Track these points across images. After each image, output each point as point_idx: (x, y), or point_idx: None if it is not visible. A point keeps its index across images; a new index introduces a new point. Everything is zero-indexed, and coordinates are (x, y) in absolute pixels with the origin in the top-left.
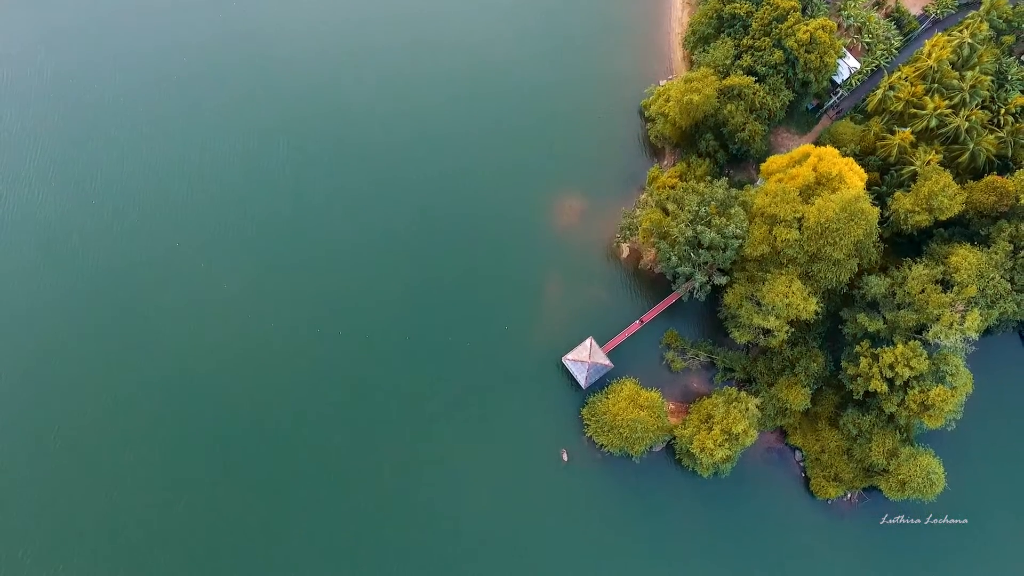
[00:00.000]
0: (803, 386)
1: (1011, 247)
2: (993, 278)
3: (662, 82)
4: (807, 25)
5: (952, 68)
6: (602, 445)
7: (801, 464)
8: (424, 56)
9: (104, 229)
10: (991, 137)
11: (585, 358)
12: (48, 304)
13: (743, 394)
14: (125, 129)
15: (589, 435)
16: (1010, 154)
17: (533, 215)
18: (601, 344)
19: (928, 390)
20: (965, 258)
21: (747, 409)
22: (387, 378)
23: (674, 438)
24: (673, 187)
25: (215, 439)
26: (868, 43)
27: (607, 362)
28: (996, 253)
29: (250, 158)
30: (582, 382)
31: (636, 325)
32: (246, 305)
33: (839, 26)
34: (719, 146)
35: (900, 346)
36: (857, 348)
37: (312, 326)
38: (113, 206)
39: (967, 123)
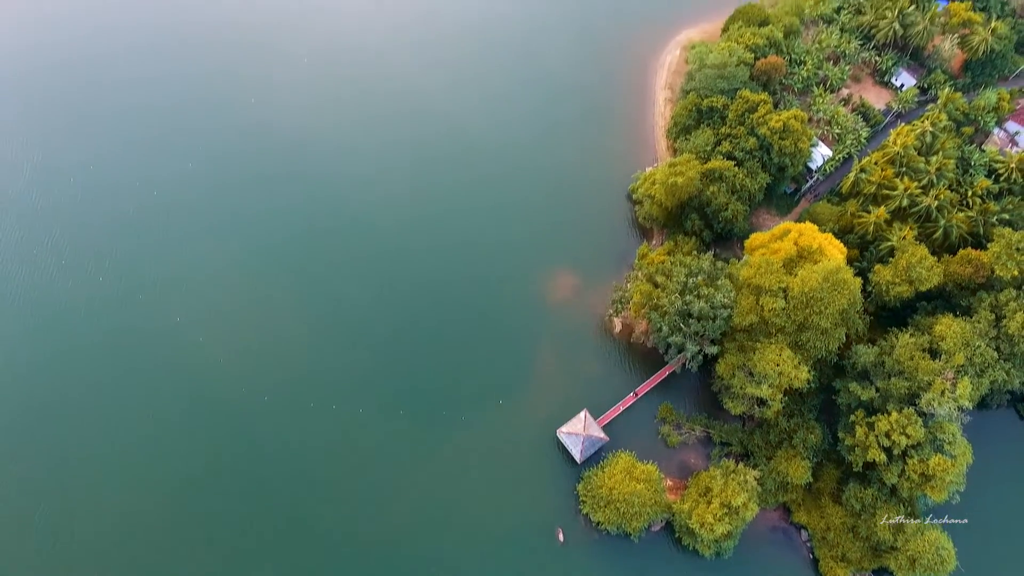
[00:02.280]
0: (803, 459)
1: (993, 317)
2: (979, 347)
3: (648, 168)
4: (779, 115)
5: (918, 154)
6: (599, 523)
7: (808, 544)
8: (427, 145)
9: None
10: (961, 215)
11: (580, 431)
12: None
13: (741, 466)
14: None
15: (585, 512)
16: (981, 231)
17: (527, 292)
18: (596, 417)
19: (927, 459)
20: (949, 327)
21: (746, 481)
22: (380, 451)
23: (673, 516)
24: (662, 262)
25: None
26: (838, 134)
27: (602, 435)
28: (979, 323)
29: (260, 238)
30: (577, 456)
31: (631, 398)
32: (244, 376)
33: (810, 118)
34: (704, 225)
35: (894, 414)
36: (852, 417)
37: (307, 397)
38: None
39: (936, 202)
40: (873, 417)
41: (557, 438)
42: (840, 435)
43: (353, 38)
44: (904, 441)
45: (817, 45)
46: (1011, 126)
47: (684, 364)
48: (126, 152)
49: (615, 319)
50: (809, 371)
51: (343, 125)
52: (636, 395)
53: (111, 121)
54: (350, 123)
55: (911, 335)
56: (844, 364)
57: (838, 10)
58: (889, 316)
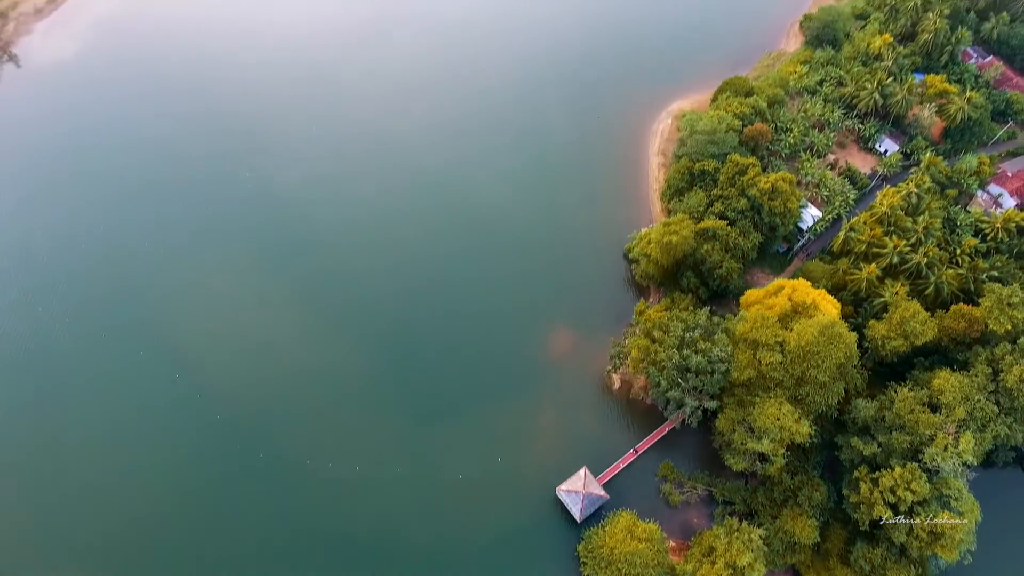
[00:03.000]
0: (809, 517)
1: (990, 371)
2: (979, 400)
3: (644, 229)
4: (768, 177)
5: (904, 214)
6: None
7: None
8: (430, 211)
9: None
10: (951, 272)
11: (580, 488)
12: None
13: (745, 525)
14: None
15: (587, 574)
16: (972, 288)
17: (527, 350)
18: (596, 475)
19: (934, 516)
20: (947, 381)
21: (750, 540)
22: (376, 509)
23: None
24: (659, 318)
25: None
26: (827, 196)
27: (602, 493)
28: (977, 376)
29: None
30: (577, 515)
31: (631, 455)
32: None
33: (799, 181)
34: (700, 283)
35: (898, 469)
36: (856, 473)
37: (303, 458)
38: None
39: (926, 259)
40: (877, 473)
41: (557, 496)
42: (844, 492)
43: (358, 111)
44: (910, 497)
45: (802, 114)
46: (993, 188)
47: (684, 420)
48: (133, 222)
49: (614, 375)
50: (810, 426)
51: (348, 195)
52: (636, 452)
53: (110, 192)
54: (355, 193)
55: (910, 389)
56: (845, 420)
57: (820, 82)
58: (887, 372)
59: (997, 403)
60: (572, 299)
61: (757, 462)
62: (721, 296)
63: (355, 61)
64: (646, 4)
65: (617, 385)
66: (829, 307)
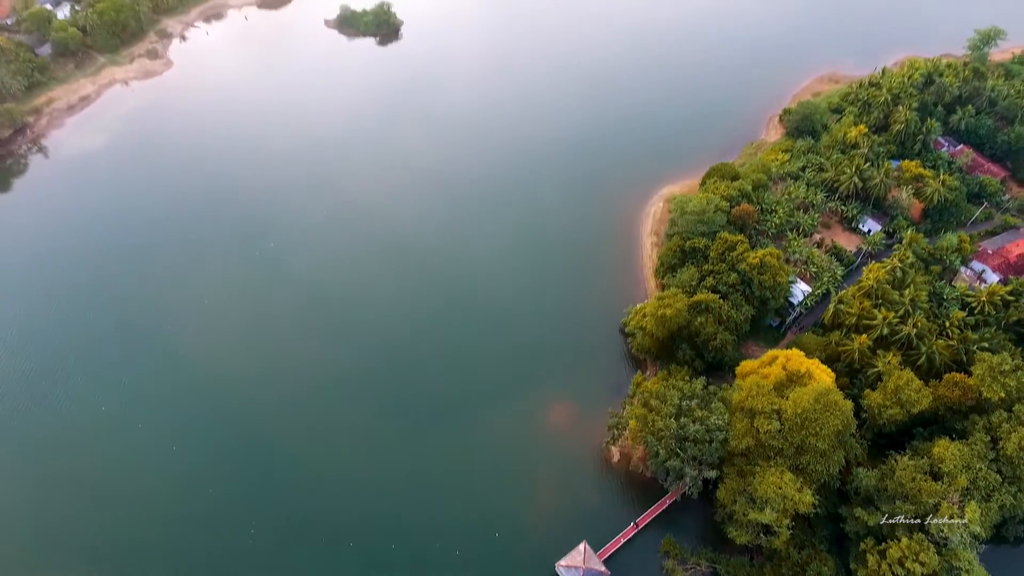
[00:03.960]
0: None
1: (988, 439)
2: (980, 469)
3: (639, 304)
4: (756, 253)
5: (891, 287)
6: None
7: None
8: (432, 290)
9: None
10: (942, 343)
11: (579, 563)
12: None
13: None
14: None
15: None
16: (964, 359)
17: (525, 424)
18: (596, 550)
19: None
20: (947, 449)
21: None
22: None
23: None
24: (656, 389)
25: None
26: (815, 272)
27: (603, 569)
28: (976, 445)
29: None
30: None
31: (631, 529)
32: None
33: (788, 259)
34: (696, 355)
35: (905, 540)
36: (862, 545)
37: (292, 523)
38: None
39: (915, 329)
40: (884, 544)
41: (556, 572)
42: (852, 566)
43: (363, 196)
44: (919, 570)
45: (786, 196)
46: (976, 265)
47: (684, 492)
48: (141, 296)
49: (613, 448)
50: (813, 495)
51: (351, 274)
52: (637, 526)
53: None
54: (358, 272)
55: (910, 458)
56: (847, 491)
57: (803, 168)
58: (887, 443)
59: (999, 472)
60: (570, 373)
61: (761, 535)
62: (717, 369)
63: (362, 150)
64: (637, 100)
65: (616, 458)
66: (823, 375)
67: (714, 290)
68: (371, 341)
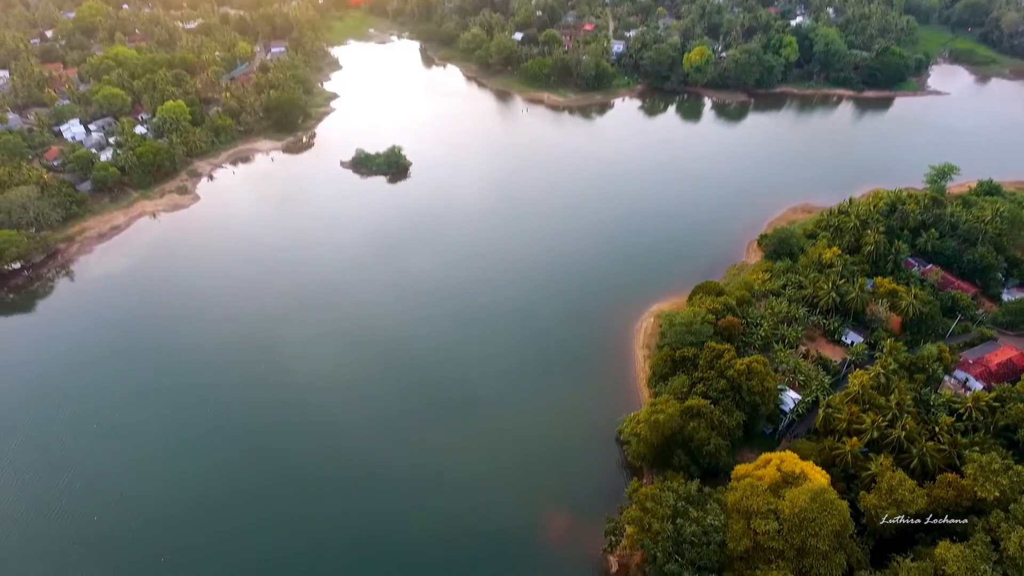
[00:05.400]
0: None
1: (988, 539)
2: (985, 571)
3: (633, 413)
4: (743, 360)
5: (877, 393)
6: None
7: None
8: (434, 401)
9: None
10: (932, 444)
11: None
12: None
13: None
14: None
15: None
16: (957, 463)
17: (521, 533)
18: None
19: None
20: (949, 551)
21: None
22: None
23: None
24: (652, 493)
25: None
26: (803, 381)
27: None
28: (977, 546)
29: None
30: None
31: None
32: None
33: (776, 368)
34: (690, 461)
35: None
36: None
37: None
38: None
39: (904, 432)
40: None
41: None
42: None
43: (368, 318)
44: None
45: (769, 311)
46: (959, 374)
47: None
48: (148, 412)
49: (611, 558)
50: None
51: (358, 390)
52: None
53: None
54: (363, 389)
55: (912, 559)
56: None
57: (783, 286)
58: (889, 549)
59: (1004, 574)
60: (567, 483)
61: None
62: (712, 476)
63: (371, 272)
64: (628, 227)
65: (615, 568)
66: (818, 476)
67: (705, 396)
68: (366, 454)
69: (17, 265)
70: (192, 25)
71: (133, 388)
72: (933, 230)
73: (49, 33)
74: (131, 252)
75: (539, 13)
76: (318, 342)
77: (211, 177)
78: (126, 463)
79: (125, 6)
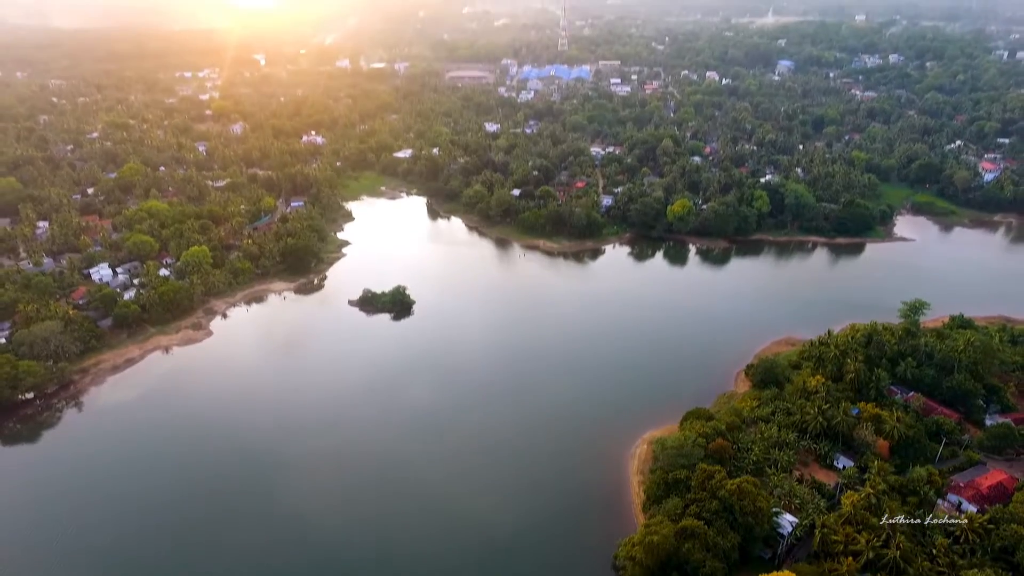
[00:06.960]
0: None
1: None
2: None
3: (628, 537)
4: (734, 481)
5: (869, 514)
6: None
7: None
8: (432, 527)
9: None
10: (929, 565)
11: None
12: None
13: None
14: None
15: None
16: None
17: None
18: None
19: None
20: None
21: None
22: None
23: None
24: None
25: None
26: (799, 503)
27: None
28: None
29: None
30: None
31: None
32: None
33: (771, 492)
34: None
35: None
36: None
37: None
38: None
39: (898, 551)
40: None
41: None
42: None
43: (373, 442)
44: None
45: (760, 436)
46: (952, 498)
47: None
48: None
49: None
50: None
51: (354, 514)
52: None
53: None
54: (361, 511)
55: None
56: None
57: (772, 412)
58: None
59: None
60: None
61: None
62: None
63: (374, 403)
64: (620, 361)
65: None
66: None
67: (698, 517)
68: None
69: (30, 395)
70: (221, 184)
71: (131, 521)
72: (911, 359)
73: (91, 190)
74: (140, 383)
75: (535, 172)
76: (316, 477)
77: (225, 315)
78: None
79: (162, 168)
